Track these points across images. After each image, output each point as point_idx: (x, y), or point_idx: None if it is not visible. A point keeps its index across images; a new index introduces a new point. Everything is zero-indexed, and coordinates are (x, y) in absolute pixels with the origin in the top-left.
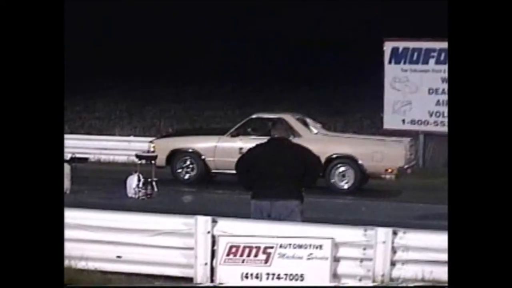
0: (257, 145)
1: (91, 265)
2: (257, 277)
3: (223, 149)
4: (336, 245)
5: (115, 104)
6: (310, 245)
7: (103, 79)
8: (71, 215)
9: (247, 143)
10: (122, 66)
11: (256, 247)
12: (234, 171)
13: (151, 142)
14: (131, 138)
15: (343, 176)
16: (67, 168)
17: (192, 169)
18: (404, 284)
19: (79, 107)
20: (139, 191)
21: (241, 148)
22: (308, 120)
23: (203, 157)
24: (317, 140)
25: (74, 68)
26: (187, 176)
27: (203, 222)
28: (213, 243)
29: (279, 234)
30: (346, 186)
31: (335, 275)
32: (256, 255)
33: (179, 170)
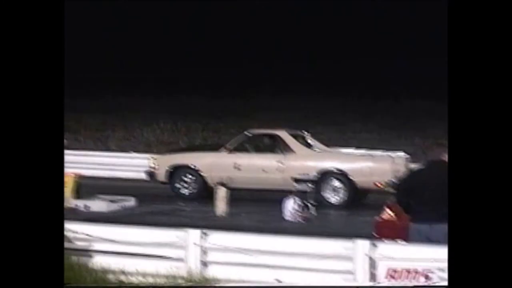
0: (416, 168)
1: None
2: None
3: (219, 164)
4: None
5: None
6: None
7: None
8: (229, 239)
9: (242, 158)
10: None
11: (415, 270)
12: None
13: (153, 158)
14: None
15: (335, 190)
16: (223, 191)
17: (191, 185)
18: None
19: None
20: (296, 213)
21: (235, 163)
22: (307, 136)
23: (201, 173)
24: (310, 156)
25: None
26: (185, 192)
27: (362, 245)
28: (373, 266)
29: (439, 258)
30: (333, 201)
31: None
32: (415, 279)
33: (179, 186)
